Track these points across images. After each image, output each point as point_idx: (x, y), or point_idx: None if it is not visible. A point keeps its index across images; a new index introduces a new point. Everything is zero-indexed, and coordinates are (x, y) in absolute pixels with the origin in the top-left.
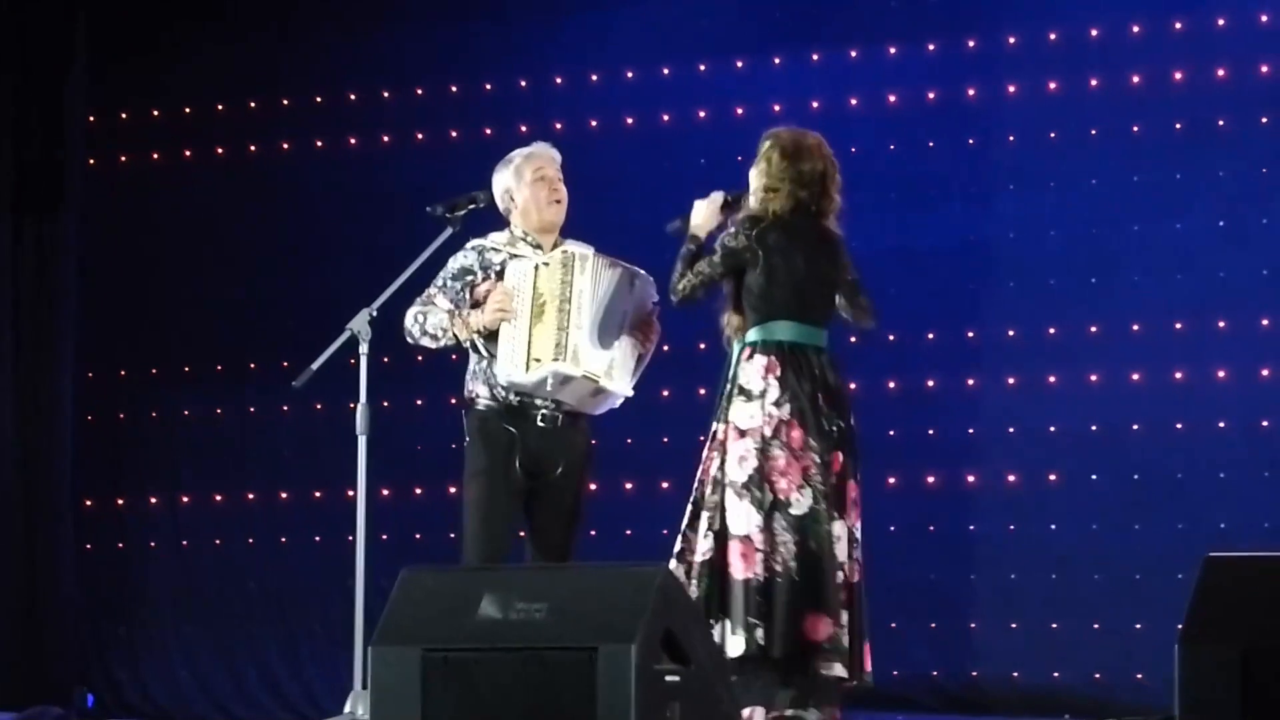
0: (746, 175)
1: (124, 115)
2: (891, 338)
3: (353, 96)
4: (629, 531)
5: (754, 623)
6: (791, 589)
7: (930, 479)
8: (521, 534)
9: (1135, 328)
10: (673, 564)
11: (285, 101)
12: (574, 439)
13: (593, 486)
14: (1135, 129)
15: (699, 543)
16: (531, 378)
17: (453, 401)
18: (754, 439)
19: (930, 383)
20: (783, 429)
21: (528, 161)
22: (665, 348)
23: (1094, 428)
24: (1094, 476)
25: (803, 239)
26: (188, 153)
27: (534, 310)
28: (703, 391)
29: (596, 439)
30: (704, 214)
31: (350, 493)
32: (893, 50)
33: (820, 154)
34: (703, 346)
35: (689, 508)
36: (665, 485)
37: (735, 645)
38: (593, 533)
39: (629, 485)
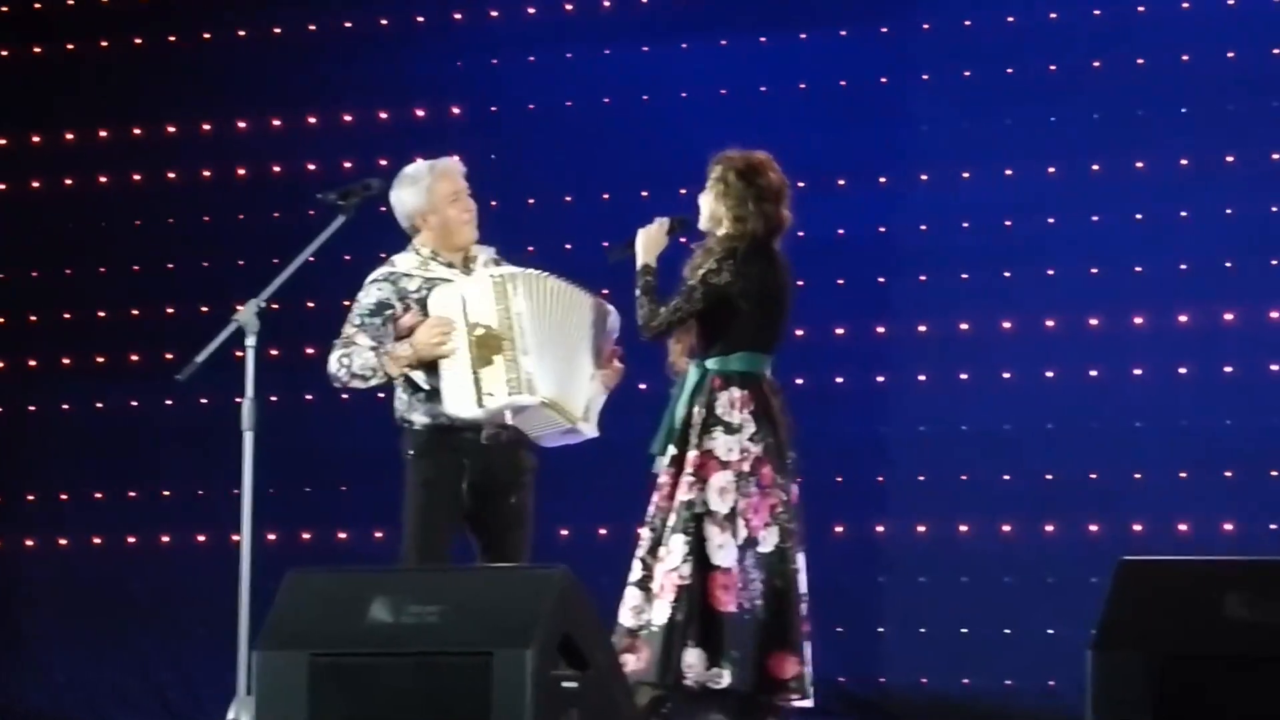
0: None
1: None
2: (799, 333)
3: (242, 78)
4: (565, 532)
5: (735, 655)
6: (760, 628)
7: (838, 479)
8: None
9: (1050, 324)
10: (632, 591)
11: (171, 84)
12: (521, 454)
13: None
14: (1051, 119)
15: (677, 567)
16: (485, 412)
17: (344, 398)
18: (733, 472)
19: (839, 380)
20: (758, 466)
21: (439, 180)
22: None
23: (1007, 427)
24: (1006, 477)
25: (773, 266)
26: (69, 136)
27: (473, 344)
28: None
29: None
30: (651, 241)
31: (235, 491)
32: (804, 36)
33: (774, 168)
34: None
35: (646, 532)
36: (603, 485)
37: (723, 677)
38: None
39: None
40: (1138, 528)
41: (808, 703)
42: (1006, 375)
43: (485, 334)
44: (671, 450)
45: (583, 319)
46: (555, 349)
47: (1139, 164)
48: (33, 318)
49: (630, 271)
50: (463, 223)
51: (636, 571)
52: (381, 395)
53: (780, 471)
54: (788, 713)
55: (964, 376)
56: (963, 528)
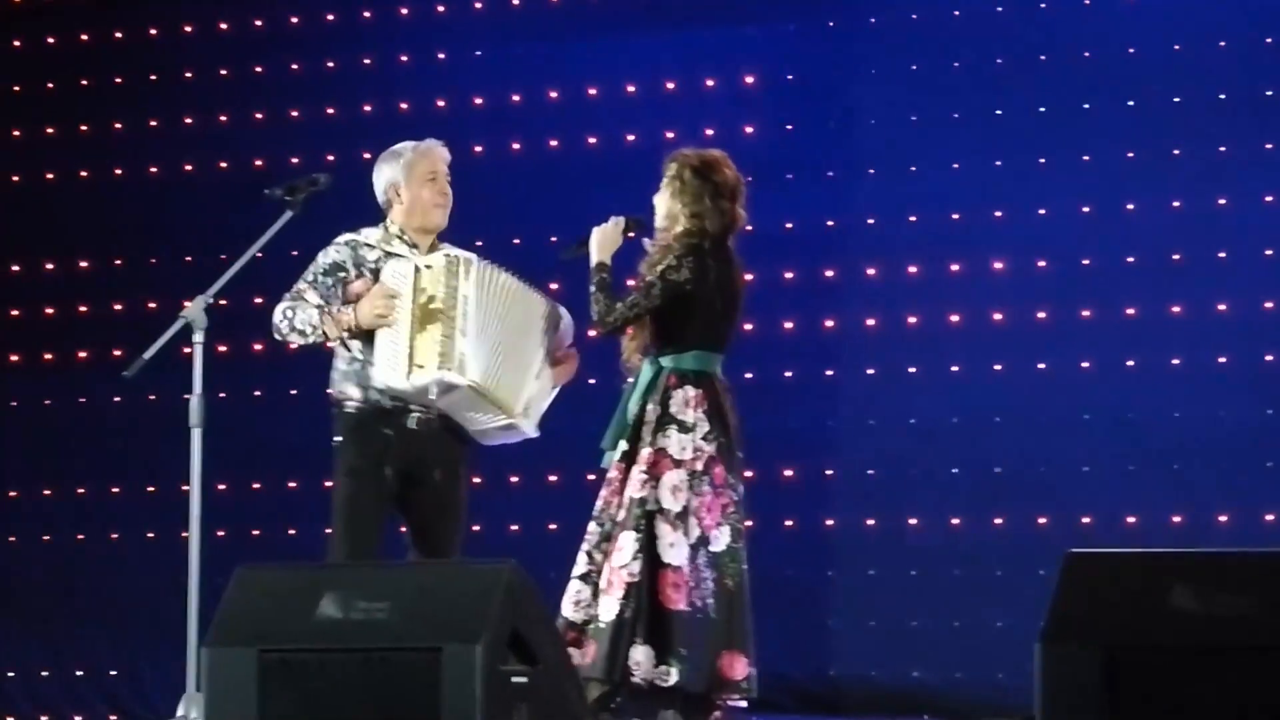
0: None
1: None
2: (748, 327)
3: (189, 75)
4: (515, 527)
5: (683, 654)
6: (711, 627)
7: (787, 472)
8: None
9: (997, 317)
10: (575, 584)
11: (119, 80)
12: (450, 441)
13: (476, 480)
14: (998, 112)
15: (627, 564)
16: (414, 384)
17: (293, 393)
18: (686, 471)
19: (787, 373)
20: (710, 465)
21: (420, 159)
22: None
23: (955, 420)
24: (955, 470)
25: (730, 265)
26: (16, 133)
27: (416, 314)
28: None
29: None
30: (606, 240)
31: (184, 487)
32: (750, 30)
33: (729, 165)
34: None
35: (594, 526)
36: (553, 479)
37: (670, 675)
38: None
39: (514, 479)
40: (1086, 520)
41: (744, 704)
42: (954, 369)
43: (428, 307)
44: (623, 446)
45: (531, 318)
46: (495, 339)
47: (1085, 157)
48: None
49: (583, 268)
50: (434, 205)
51: (581, 564)
52: (331, 392)
53: (731, 471)
54: (733, 711)
55: (912, 370)
56: (911, 521)
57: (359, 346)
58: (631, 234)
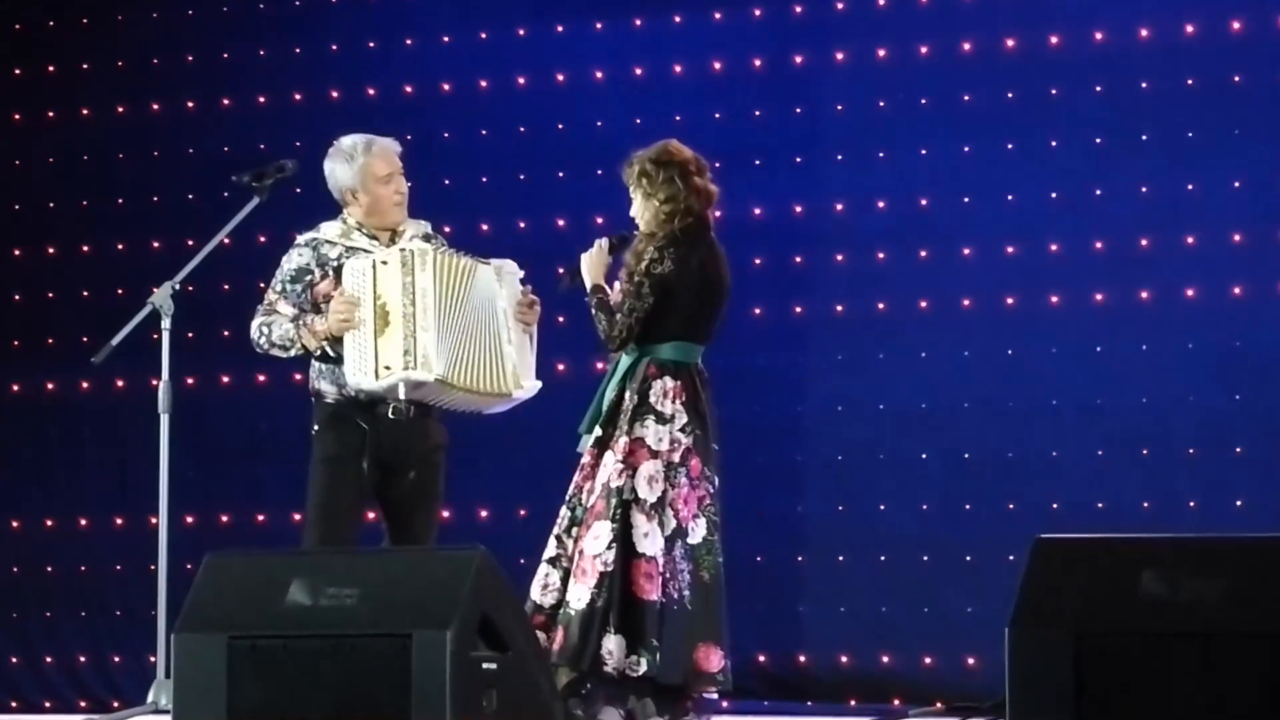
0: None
1: None
2: None
3: (156, 61)
4: (484, 513)
5: (655, 645)
6: (686, 618)
7: (758, 459)
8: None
9: (966, 303)
10: (544, 568)
11: (86, 66)
12: (427, 431)
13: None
14: (966, 98)
15: (601, 553)
16: (383, 385)
17: (261, 379)
18: (663, 461)
19: (757, 360)
20: (687, 457)
21: (374, 160)
22: None
23: (924, 406)
24: (924, 455)
25: (714, 255)
26: None
27: (377, 314)
28: None
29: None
30: (595, 263)
31: (153, 473)
32: (718, 16)
33: (681, 147)
34: None
35: (565, 511)
36: (522, 464)
37: (640, 665)
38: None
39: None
40: (1055, 505)
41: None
42: (923, 355)
43: (388, 307)
44: (598, 431)
45: (489, 289)
46: (458, 327)
47: (1053, 143)
48: None
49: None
50: (393, 204)
51: (551, 548)
52: (299, 376)
53: (707, 463)
54: (706, 703)
55: (881, 356)
56: (881, 506)
57: (333, 348)
58: (618, 251)
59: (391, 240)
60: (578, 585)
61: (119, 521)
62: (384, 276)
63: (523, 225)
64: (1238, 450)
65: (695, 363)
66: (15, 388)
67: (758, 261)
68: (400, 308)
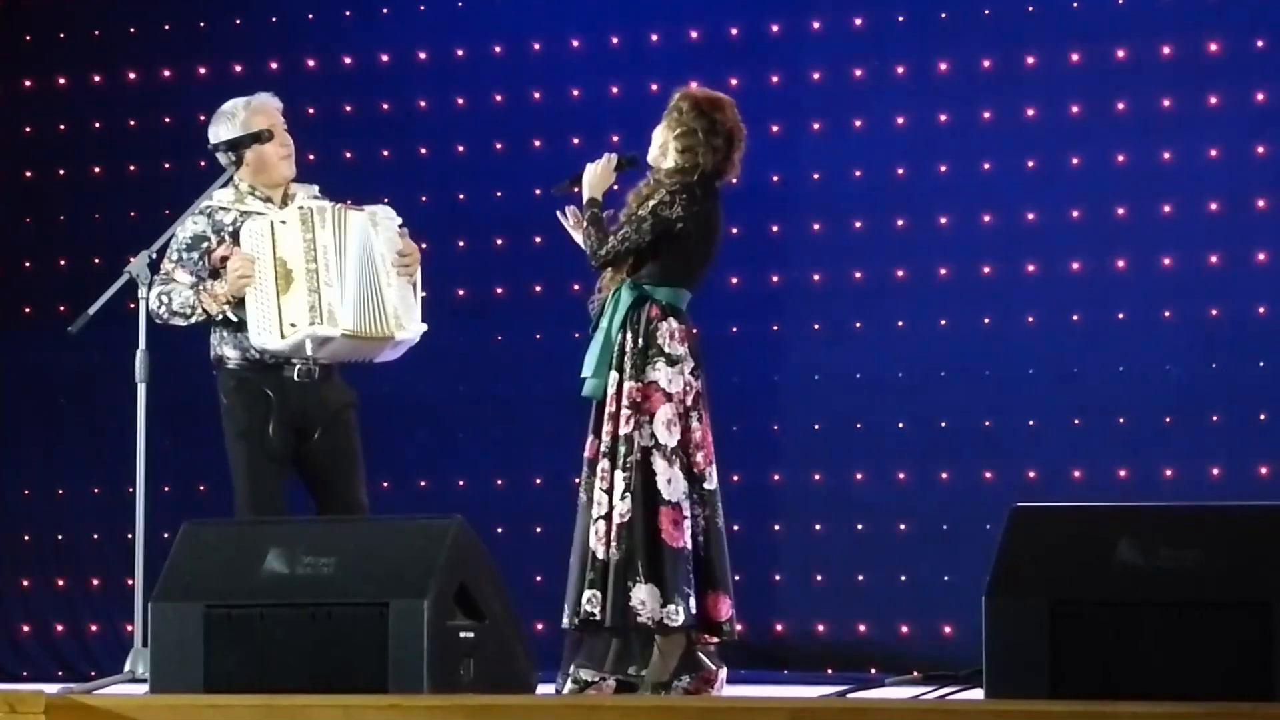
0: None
1: None
2: None
3: (132, 29)
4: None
5: (688, 592)
6: (700, 566)
7: (734, 428)
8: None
9: (942, 272)
10: (602, 526)
11: (62, 35)
12: (334, 389)
13: (422, 436)
14: (942, 66)
15: (616, 503)
16: (288, 343)
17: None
18: (678, 405)
19: (733, 329)
20: (699, 400)
21: (253, 116)
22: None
23: (900, 375)
24: (900, 424)
25: (717, 209)
26: None
27: (278, 273)
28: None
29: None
30: (599, 176)
31: (130, 443)
32: None
33: (733, 110)
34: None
35: (606, 464)
36: (499, 434)
37: (678, 614)
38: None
39: (461, 435)
40: (1031, 474)
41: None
42: (900, 323)
43: (289, 265)
44: (614, 375)
45: (366, 238)
46: (357, 279)
47: (1029, 111)
48: None
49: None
50: (280, 158)
51: (603, 505)
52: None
53: (709, 412)
54: (709, 652)
55: (858, 325)
56: (858, 475)
57: (235, 312)
58: (624, 171)
59: (283, 202)
60: (610, 542)
61: (96, 491)
62: (283, 235)
63: (499, 194)
64: (1214, 419)
65: (684, 307)
66: None
67: (734, 231)
68: (302, 265)
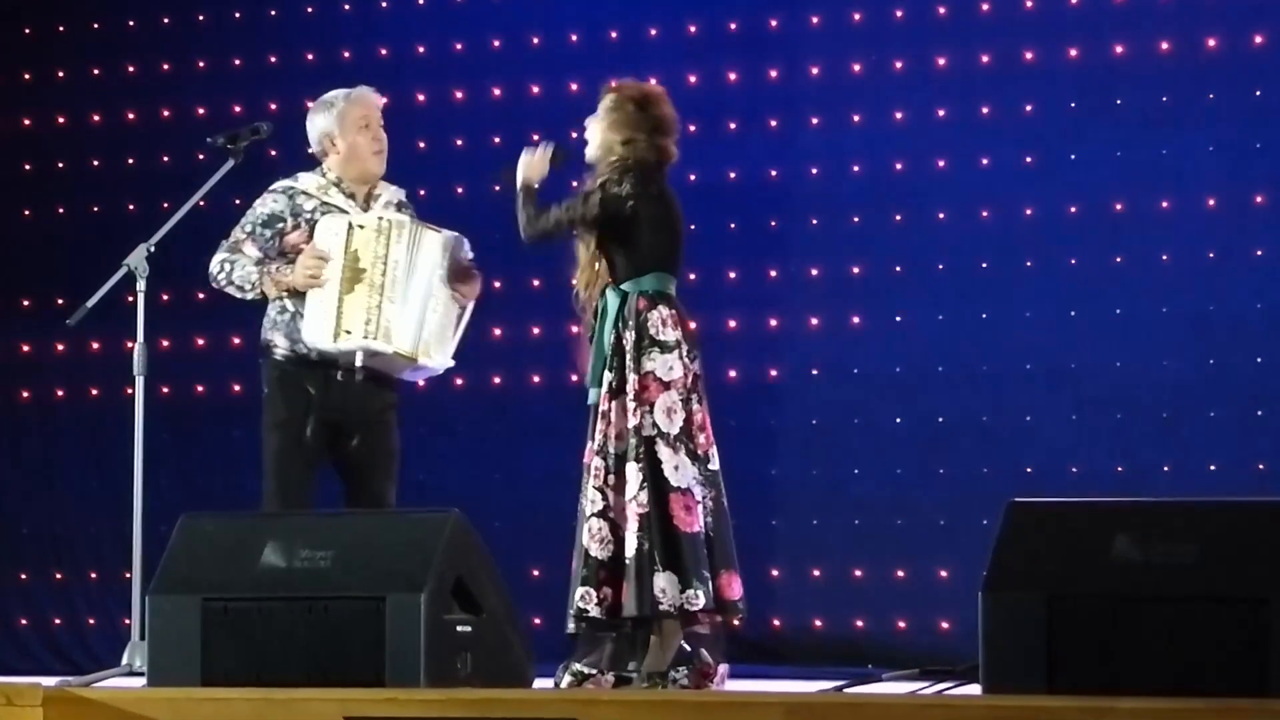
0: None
1: None
2: (692, 276)
3: (131, 23)
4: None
5: (706, 575)
6: (711, 546)
7: (731, 422)
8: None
9: (940, 267)
10: (595, 523)
11: (61, 28)
12: (376, 392)
13: (421, 430)
14: (941, 61)
15: (635, 495)
16: (339, 348)
17: (236, 342)
18: (677, 390)
19: (731, 323)
20: (697, 383)
21: (352, 106)
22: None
23: (898, 370)
24: (898, 419)
25: (667, 191)
26: None
27: (346, 276)
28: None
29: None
30: (535, 164)
31: (128, 435)
32: None
33: (668, 101)
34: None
35: (599, 461)
36: (497, 428)
37: (698, 598)
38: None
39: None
40: (1029, 470)
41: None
42: (898, 318)
43: (358, 269)
44: (607, 376)
45: (434, 260)
46: (423, 302)
47: (1028, 107)
48: None
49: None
50: (371, 152)
51: (597, 502)
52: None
53: (708, 395)
54: (731, 637)
55: (856, 320)
56: (855, 470)
57: (292, 300)
58: (560, 163)
59: (367, 201)
60: (628, 534)
61: (94, 483)
62: (359, 240)
63: (497, 189)
64: (1211, 415)
65: (668, 291)
66: None
67: (732, 225)
68: (369, 275)
